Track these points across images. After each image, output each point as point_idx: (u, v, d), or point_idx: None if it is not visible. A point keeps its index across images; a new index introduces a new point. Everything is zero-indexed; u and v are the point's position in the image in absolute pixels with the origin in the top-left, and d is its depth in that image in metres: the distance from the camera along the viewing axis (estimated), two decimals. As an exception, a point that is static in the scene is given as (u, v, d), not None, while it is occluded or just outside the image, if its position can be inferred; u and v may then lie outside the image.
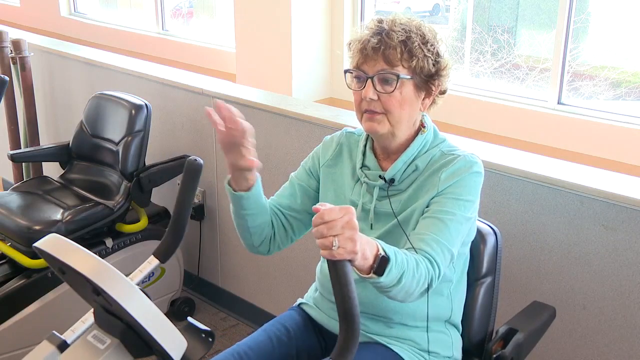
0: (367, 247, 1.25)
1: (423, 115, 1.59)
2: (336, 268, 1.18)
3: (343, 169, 1.66)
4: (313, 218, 1.20)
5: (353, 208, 1.21)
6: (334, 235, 1.17)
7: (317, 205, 1.21)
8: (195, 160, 1.54)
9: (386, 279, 1.29)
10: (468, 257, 1.65)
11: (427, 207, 1.50)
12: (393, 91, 1.48)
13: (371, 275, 1.28)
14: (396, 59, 1.47)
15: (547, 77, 3.95)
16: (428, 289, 1.41)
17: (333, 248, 1.17)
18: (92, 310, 1.38)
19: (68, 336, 1.34)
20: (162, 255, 1.52)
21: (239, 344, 1.67)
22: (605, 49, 4.05)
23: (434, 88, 1.54)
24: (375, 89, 1.48)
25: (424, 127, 1.58)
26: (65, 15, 7.15)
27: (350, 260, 1.19)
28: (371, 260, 1.27)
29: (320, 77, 4.61)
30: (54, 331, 1.35)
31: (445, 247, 1.44)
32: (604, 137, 3.63)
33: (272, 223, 1.67)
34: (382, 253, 1.28)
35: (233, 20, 5.03)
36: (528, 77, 4.14)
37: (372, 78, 1.48)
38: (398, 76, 1.48)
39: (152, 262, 1.50)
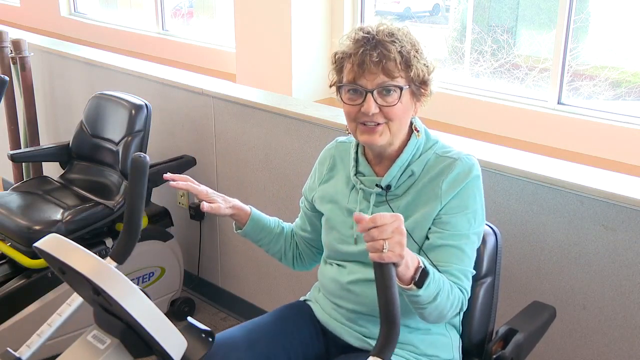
0: (409, 257, 1.30)
1: (413, 118, 1.59)
2: (382, 270, 1.22)
3: (338, 179, 1.67)
4: (365, 221, 1.24)
5: (402, 216, 1.25)
6: (384, 239, 1.21)
7: (356, 214, 1.26)
8: (140, 156, 1.52)
9: (424, 292, 1.34)
10: None
11: (434, 223, 1.50)
12: (396, 102, 1.47)
13: (411, 286, 1.33)
14: (396, 70, 1.46)
15: (547, 77, 3.96)
16: (460, 312, 1.50)
17: (383, 251, 1.21)
18: (47, 322, 1.38)
19: (23, 352, 1.33)
20: (119, 256, 1.51)
21: (248, 322, 1.71)
22: (605, 49, 4.05)
23: (426, 92, 1.54)
24: (376, 102, 1.47)
25: (417, 130, 1.57)
26: (65, 15, 7.15)
27: (395, 265, 1.24)
28: (412, 270, 1.32)
29: (320, 77, 4.61)
30: (8, 348, 1.33)
31: (468, 272, 1.50)
32: (604, 137, 3.63)
33: (299, 249, 1.82)
34: (423, 266, 1.34)
35: (233, 20, 5.03)
36: (528, 77, 4.14)
37: (372, 92, 1.47)
38: (402, 88, 1.47)
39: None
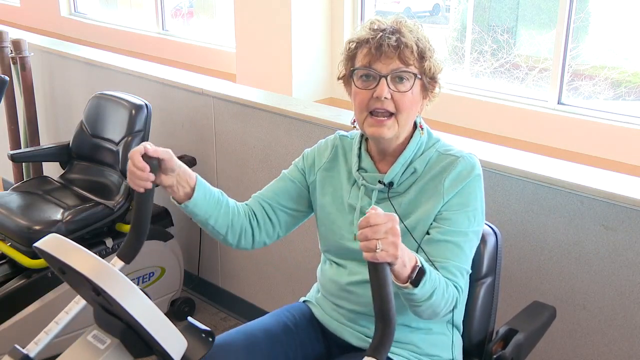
0: (406, 256, 1.30)
1: (417, 116, 1.59)
2: (377, 270, 1.22)
3: (339, 172, 1.66)
4: (359, 221, 1.24)
5: (396, 216, 1.25)
6: (378, 239, 1.21)
7: (372, 207, 1.25)
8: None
9: (420, 291, 1.34)
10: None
11: (435, 219, 1.51)
12: (408, 91, 1.48)
13: (407, 285, 1.33)
14: (411, 58, 1.47)
15: (547, 77, 3.96)
16: (453, 310, 1.49)
17: (377, 250, 1.21)
18: (54, 320, 1.37)
19: (31, 349, 1.33)
20: (126, 256, 1.51)
21: (247, 324, 1.70)
22: (605, 49, 4.05)
23: (434, 90, 1.56)
24: (389, 87, 1.48)
25: (421, 128, 1.58)
26: (65, 15, 7.16)
27: (390, 264, 1.24)
28: (409, 269, 1.32)
29: (320, 77, 4.62)
30: (15, 345, 1.34)
31: (464, 269, 1.49)
32: (604, 137, 3.63)
33: (255, 215, 1.66)
34: (420, 265, 1.33)
35: (233, 20, 5.03)
36: (528, 77, 4.15)
37: (386, 77, 1.47)
38: (416, 75, 1.48)
39: (116, 264, 1.49)
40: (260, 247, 1.70)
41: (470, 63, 4.42)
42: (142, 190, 1.44)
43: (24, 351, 1.32)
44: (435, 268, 1.45)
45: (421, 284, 1.33)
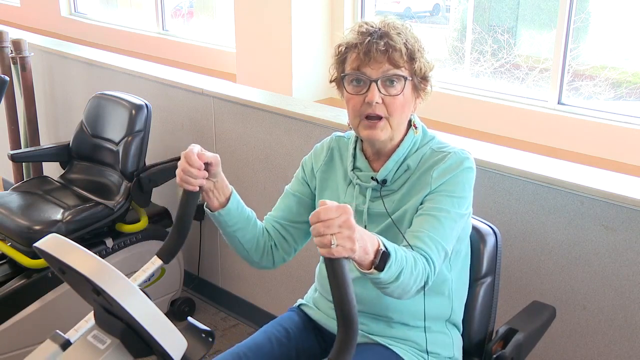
0: (368, 242, 1.25)
1: (412, 115, 1.59)
2: (333, 267, 1.18)
3: (336, 173, 1.67)
4: (310, 216, 1.20)
5: (349, 207, 1.20)
6: (332, 234, 1.17)
7: (321, 201, 1.22)
8: None
9: (386, 274, 1.29)
10: (468, 256, 1.65)
11: (420, 204, 1.50)
12: (399, 94, 1.48)
13: (372, 270, 1.28)
14: (400, 61, 1.47)
15: (547, 77, 3.96)
16: (424, 286, 1.41)
17: (332, 246, 1.17)
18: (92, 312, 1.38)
19: (71, 335, 1.34)
20: (166, 255, 1.52)
21: (239, 345, 1.67)
22: (605, 49, 4.05)
23: (425, 89, 1.56)
24: (380, 92, 1.48)
25: (415, 127, 1.58)
26: (65, 15, 7.16)
27: (348, 258, 1.19)
28: (372, 255, 1.27)
29: (320, 77, 4.61)
30: (57, 330, 1.35)
31: (440, 244, 1.44)
32: (604, 137, 3.63)
33: (272, 237, 1.69)
34: (383, 248, 1.29)
35: (233, 20, 5.03)
36: (528, 77, 4.15)
37: (376, 81, 1.47)
38: (406, 78, 1.49)
39: (155, 263, 1.50)
40: (280, 265, 1.73)
41: (471, 63, 4.42)
42: (196, 188, 1.46)
43: (66, 336, 1.32)
44: (409, 244, 1.41)
45: (386, 268, 1.28)
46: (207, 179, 1.49)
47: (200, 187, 1.48)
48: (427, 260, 1.41)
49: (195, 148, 1.46)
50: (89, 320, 1.35)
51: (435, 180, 1.50)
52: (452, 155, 1.52)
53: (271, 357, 1.64)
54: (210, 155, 1.48)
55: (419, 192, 1.52)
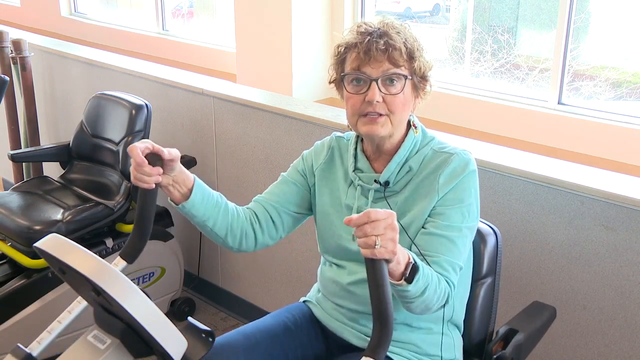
0: (400, 253, 1.29)
1: (411, 115, 1.60)
2: (374, 267, 1.21)
3: (336, 173, 1.67)
4: (358, 216, 1.21)
5: (395, 213, 1.24)
6: (377, 235, 1.20)
7: (347, 218, 1.23)
8: None
9: (414, 287, 1.33)
10: (470, 257, 1.65)
11: (429, 215, 1.51)
12: (399, 92, 1.49)
13: (402, 282, 1.32)
14: (400, 60, 1.48)
15: (547, 77, 3.95)
16: (444, 305, 1.46)
17: (376, 247, 1.20)
18: (57, 319, 1.37)
19: (34, 348, 1.33)
20: (129, 256, 1.51)
21: (247, 326, 1.69)
22: (605, 49, 4.05)
23: (425, 88, 1.56)
24: (380, 91, 1.48)
25: (415, 127, 1.59)
26: (65, 15, 7.15)
27: (387, 261, 1.23)
28: (403, 266, 1.31)
29: (320, 77, 4.61)
30: (18, 344, 1.33)
31: (456, 265, 1.48)
32: (604, 137, 3.63)
33: (258, 219, 1.66)
34: (413, 262, 1.33)
35: (233, 20, 5.03)
36: (528, 77, 4.14)
37: (376, 80, 1.48)
38: (406, 77, 1.49)
39: (119, 264, 1.48)
40: (262, 249, 1.70)
41: (471, 63, 4.42)
42: (151, 186, 1.42)
43: (27, 350, 1.31)
44: (428, 263, 1.45)
45: (415, 281, 1.32)
46: (163, 174, 1.45)
47: (156, 184, 1.43)
48: (447, 283, 1.46)
49: (142, 144, 1.41)
50: (52, 331, 1.34)
51: (442, 187, 1.50)
52: (456, 157, 1.52)
53: (277, 342, 1.65)
54: (164, 150, 1.43)
55: (425, 197, 1.52)
